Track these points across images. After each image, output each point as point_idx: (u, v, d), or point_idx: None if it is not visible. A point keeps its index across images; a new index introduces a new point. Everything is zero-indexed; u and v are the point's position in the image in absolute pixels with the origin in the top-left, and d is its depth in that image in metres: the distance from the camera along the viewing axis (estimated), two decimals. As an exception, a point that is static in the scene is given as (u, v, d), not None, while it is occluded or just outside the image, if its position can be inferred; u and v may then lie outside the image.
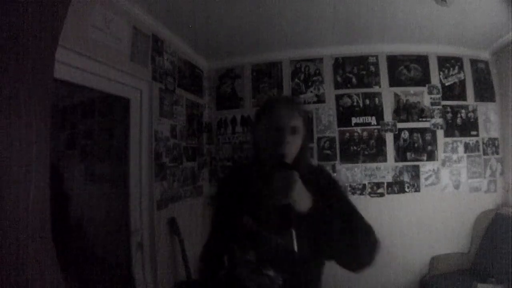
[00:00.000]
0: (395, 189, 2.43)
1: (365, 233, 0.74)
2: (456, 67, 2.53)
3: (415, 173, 2.44)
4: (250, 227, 0.80)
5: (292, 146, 0.78)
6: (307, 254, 0.76)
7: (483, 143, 2.48)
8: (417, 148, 2.46)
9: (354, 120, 2.50)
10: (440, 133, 2.47)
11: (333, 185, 0.86)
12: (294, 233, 0.72)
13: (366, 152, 2.47)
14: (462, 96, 2.52)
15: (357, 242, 0.70)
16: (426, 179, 2.43)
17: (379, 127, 2.48)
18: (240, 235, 0.82)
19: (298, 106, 0.86)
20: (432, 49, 2.51)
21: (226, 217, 0.89)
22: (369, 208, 2.42)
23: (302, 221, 0.68)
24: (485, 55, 2.56)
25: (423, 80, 2.51)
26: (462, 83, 2.52)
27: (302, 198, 0.67)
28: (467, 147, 2.47)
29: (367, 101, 2.51)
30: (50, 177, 0.54)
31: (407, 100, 2.49)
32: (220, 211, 0.96)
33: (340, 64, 2.57)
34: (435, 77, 2.51)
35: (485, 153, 2.48)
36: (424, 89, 2.50)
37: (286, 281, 0.78)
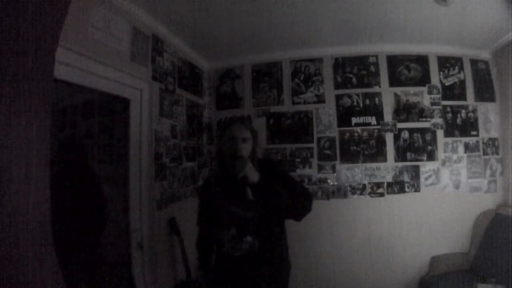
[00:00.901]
0: (395, 189, 2.43)
1: (300, 189, 1.15)
2: (456, 67, 2.53)
3: (415, 173, 2.44)
4: (231, 210, 1.15)
5: (245, 150, 1.15)
6: (264, 210, 1.11)
7: (483, 143, 2.48)
8: (417, 148, 2.46)
9: (354, 120, 2.50)
10: (440, 133, 2.47)
11: (275, 166, 1.28)
12: (248, 189, 1.08)
13: (366, 152, 2.47)
14: (462, 96, 2.52)
15: (295, 197, 1.10)
16: (426, 179, 2.43)
17: (379, 127, 2.48)
18: (222, 218, 1.17)
19: (247, 123, 1.26)
20: (432, 49, 2.51)
21: (209, 209, 1.24)
22: (369, 208, 2.43)
23: (255, 187, 1.06)
24: (485, 55, 2.56)
25: (423, 80, 2.51)
26: (462, 83, 2.52)
27: (252, 173, 1.05)
28: (467, 147, 2.47)
29: (367, 101, 2.51)
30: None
31: (407, 100, 2.49)
32: (203, 207, 1.33)
33: (340, 64, 2.57)
34: (435, 77, 2.51)
35: (485, 153, 2.47)
36: (424, 89, 2.50)
37: (262, 242, 1.14)
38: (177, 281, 2.08)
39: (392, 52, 2.52)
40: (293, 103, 2.59)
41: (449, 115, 2.49)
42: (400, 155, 2.46)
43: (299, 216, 1.14)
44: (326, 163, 2.49)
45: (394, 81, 2.51)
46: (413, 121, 2.47)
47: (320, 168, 2.49)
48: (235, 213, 1.15)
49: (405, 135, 2.47)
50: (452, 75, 2.52)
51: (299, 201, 1.11)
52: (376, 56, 2.53)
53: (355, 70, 2.54)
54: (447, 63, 2.52)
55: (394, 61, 2.52)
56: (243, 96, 2.68)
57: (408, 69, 2.52)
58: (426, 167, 2.44)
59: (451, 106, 2.49)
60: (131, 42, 1.71)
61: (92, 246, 1.70)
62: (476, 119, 2.50)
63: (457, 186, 2.44)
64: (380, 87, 2.52)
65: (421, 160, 2.44)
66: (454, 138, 2.47)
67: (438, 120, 2.47)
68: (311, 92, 2.58)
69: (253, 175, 1.05)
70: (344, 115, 2.51)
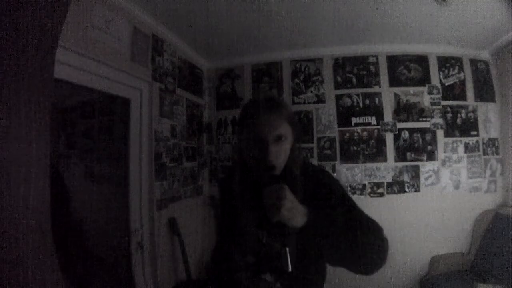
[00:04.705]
0: (395, 189, 2.43)
1: (371, 234, 0.70)
2: (456, 67, 2.53)
3: (415, 173, 2.43)
4: (252, 232, 0.79)
5: (279, 155, 0.72)
6: (307, 270, 0.74)
7: (483, 143, 2.48)
8: (417, 148, 2.45)
9: (354, 120, 2.50)
10: (440, 133, 2.47)
11: (333, 186, 0.80)
12: (288, 251, 0.65)
13: (366, 152, 2.47)
14: (462, 96, 2.52)
15: (364, 246, 0.67)
16: (426, 179, 2.43)
17: (379, 127, 2.48)
18: (240, 239, 0.81)
19: (282, 108, 0.76)
20: (432, 49, 2.51)
21: (229, 221, 0.88)
22: (369, 208, 2.42)
23: (297, 237, 0.65)
24: (485, 55, 2.56)
25: (423, 80, 2.51)
26: (462, 83, 2.52)
27: (294, 214, 0.62)
28: (467, 147, 2.47)
29: (367, 101, 2.51)
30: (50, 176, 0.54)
31: (407, 100, 2.49)
32: (224, 215, 0.94)
33: (340, 64, 2.57)
34: (435, 77, 2.51)
35: (485, 153, 2.47)
36: (424, 89, 2.50)
37: (284, 286, 0.77)
38: (177, 281, 2.08)
39: (392, 52, 2.52)
40: (293, 103, 2.59)
41: (449, 115, 2.49)
42: (400, 155, 2.45)
43: (369, 272, 0.71)
44: (326, 163, 2.49)
45: (394, 81, 2.51)
46: (413, 121, 2.47)
47: (320, 168, 2.49)
48: (258, 239, 0.79)
49: (405, 135, 2.46)
50: (452, 75, 2.52)
51: (371, 251, 0.68)
52: (376, 56, 2.53)
53: (355, 70, 2.54)
54: (447, 63, 2.52)
55: (394, 61, 2.52)
56: (243, 96, 2.68)
57: (408, 69, 2.52)
58: (426, 167, 2.44)
59: (451, 106, 2.49)
60: (131, 42, 1.71)
61: (90, 245, 1.70)
62: (476, 119, 2.50)
63: (457, 186, 2.44)
64: (380, 87, 2.52)
65: (421, 160, 2.44)
66: (454, 138, 2.47)
67: (438, 120, 2.47)
68: (311, 92, 2.58)
69: (295, 219, 0.62)
70: (344, 115, 2.51)
